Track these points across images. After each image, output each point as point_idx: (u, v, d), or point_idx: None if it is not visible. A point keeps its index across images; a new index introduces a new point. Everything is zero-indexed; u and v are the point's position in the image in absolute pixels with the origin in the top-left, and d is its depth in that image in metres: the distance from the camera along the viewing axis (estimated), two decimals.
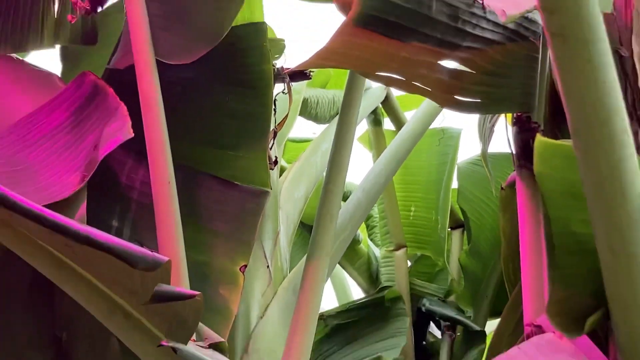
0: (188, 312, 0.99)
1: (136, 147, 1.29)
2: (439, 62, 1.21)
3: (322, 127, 2.20)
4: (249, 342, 1.49)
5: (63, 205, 1.19)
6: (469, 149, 2.25)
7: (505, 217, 1.34)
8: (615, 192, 0.79)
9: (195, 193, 1.41)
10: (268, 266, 1.58)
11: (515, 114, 1.26)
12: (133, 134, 1.16)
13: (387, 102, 2.28)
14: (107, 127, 1.20)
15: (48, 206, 0.93)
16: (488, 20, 1.23)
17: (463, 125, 2.18)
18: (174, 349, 1.00)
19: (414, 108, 2.10)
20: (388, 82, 1.30)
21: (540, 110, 1.27)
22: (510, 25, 1.24)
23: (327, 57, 1.16)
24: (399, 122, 2.33)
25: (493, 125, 1.39)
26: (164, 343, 1.00)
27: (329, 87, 2.31)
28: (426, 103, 2.01)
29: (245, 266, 1.35)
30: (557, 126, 1.25)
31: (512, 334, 1.33)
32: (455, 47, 1.20)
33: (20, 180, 1.24)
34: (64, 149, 1.26)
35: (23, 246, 1.00)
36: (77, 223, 0.92)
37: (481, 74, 1.25)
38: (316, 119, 2.16)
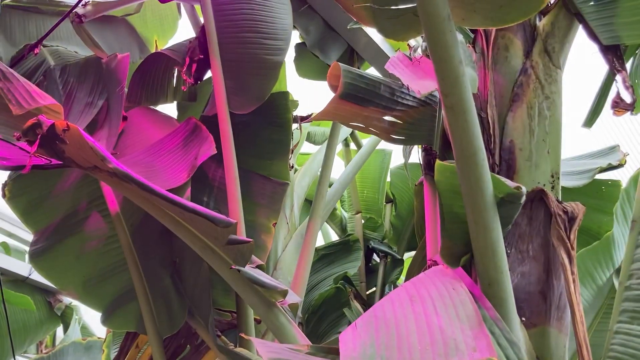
0: (246, 249, 1.40)
1: (217, 158, 1.84)
2: (383, 117, 1.61)
3: (317, 147, 3.23)
4: (277, 264, 2.22)
5: (179, 190, 1.72)
6: (396, 161, 3.50)
7: (417, 200, 1.73)
8: (477, 191, 1.09)
9: (249, 183, 2.03)
10: (287, 223, 2.34)
11: (423, 145, 1.64)
12: (216, 151, 1.72)
13: (352, 133, 3.37)
14: (202, 147, 1.75)
15: (170, 190, 1.40)
16: (410, 95, 1.65)
17: (393, 148, 3.18)
18: (238, 270, 1.39)
19: (368, 137, 3.10)
20: (355, 127, 1.69)
21: (436, 144, 1.62)
22: (421, 97, 1.65)
23: (324, 115, 1.61)
24: (358, 145, 3.55)
25: (410, 150, 2.01)
26: (233, 267, 1.39)
27: (321, 126, 3.34)
28: (373, 137, 2.89)
29: (275, 223, 2.02)
30: (445, 152, 1.59)
31: (420, 263, 1.65)
32: (392, 109, 1.61)
33: (154, 176, 1.70)
34: (178, 159, 1.78)
35: (156, 211, 1.43)
36: (187, 201, 1.37)
37: (405, 123, 1.66)
38: (314, 142, 3.18)
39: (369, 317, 1.01)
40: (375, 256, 3.36)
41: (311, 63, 2.71)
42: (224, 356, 1.63)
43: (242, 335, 1.59)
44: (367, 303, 3.06)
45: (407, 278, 1.92)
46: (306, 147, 3.55)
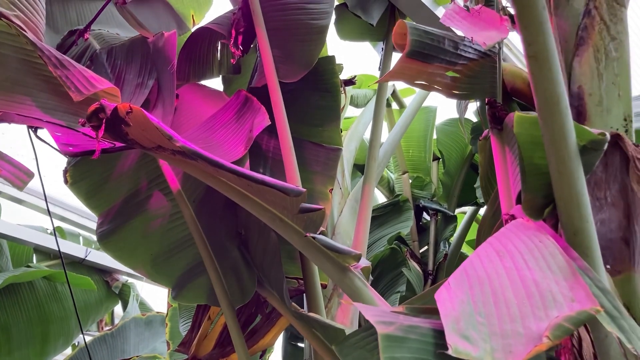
0: (317, 217, 1.41)
1: (268, 128, 1.78)
2: (445, 72, 1.63)
3: (359, 110, 3.22)
4: (334, 229, 2.26)
5: (238, 163, 1.65)
6: (441, 117, 3.47)
7: (482, 155, 1.68)
8: (561, 140, 1.05)
9: (302, 151, 2.04)
10: (340, 188, 2.37)
11: (486, 99, 1.56)
12: (270, 122, 1.68)
13: (394, 93, 3.25)
14: (255, 119, 1.72)
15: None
16: (471, 47, 1.66)
17: (437, 104, 3.20)
18: (313, 237, 1.38)
19: (409, 95, 3.00)
20: (419, 86, 1.70)
21: (499, 96, 1.69)
22: (484, 49, 1.64)
23: (392, 75, 1.65)
24: (400, 104, 3.40)
25: (466, 105, 2.03)
26: (307, 234, 1.38)
27: (362, 88, 3.29)
28: (417, 94, 2.89)
29: (332, 189, 2.03)
30: (506, 103, 1.70)
31: (491, 219, 1.62)
32: (455, 64, 1.62)
33: (212, 151, 1.56)
34: (233, 132, 1.76)
35: (221, 186, 1.43)
36: (254, 172, 1.33)
37: (466, 77, 1.66)
38: (357, 105, 3.15)
39: (460, 275, 1.01)
40: (425, 215, 3.35)
41: (352, 24, 2.66)
42: (299, 322, 1.66)
43: (343, 301, 1.60)
44: (421, 261, 3.08)
45: (479, 234, 1.90)
46: (349, 111, 3.53)
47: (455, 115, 3.36)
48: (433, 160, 3.49)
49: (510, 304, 0.95)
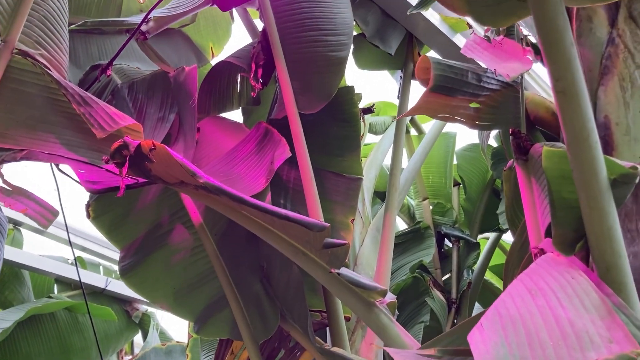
0: (340, 252, 1.40)
1: (289, 159, 1.84)
2: (468, 104, 1.60)
3: (377, 137, 3.22)
4: (356, 259, 2.23)
5: (259, 196, 1.70)
6: (460, 143, 3.49)
7: (507, 185, 1.66)
8: (591, 175, 1.03)
9: (323, 181, 2.03)
10: (361, 217, 2.35)
11: (511, 129, 1.58)
12: (290, 154, 1.74)
13: (412, 119, 3.31)
14: (276, 151, 1.77)
15: (252, 197, 1.45)
16: (493, 79, 1.64)
17: (457, 130, 3.22)
18: (338, 273, 1.39)
19: (428, 122, 3.00)
20: (442, 118, 1.68)
21: (522, 126, 1.64)
22: (508, 80, 1.60)
23: (416, 110, 1.63)
24: (419, 130, 3.44)
25: (488, 134, 2.01)
26: (332, 270, 1.38)
27: (380, 115, 3.31)
28: (436, 122, 2.87)
29: (353, 220, 2.01)
30: (529, 133, 1.67)
31: (520, 250, 1.58)
32: (478, 96, 1.60)
33: (233, 185, 1.66)
34: (254, 164, 1.81)
35: (244, 220, 1.44)
36: (277, 207, 1.36)
37: (489, 108, 1.64)
38: (375, 133, 3.16)
39: (492, 315, 0.98)
40: (447, 241, 3.31)
41: (370, 54, 2.67)
42: (323, 357, 1.64)
43: (374, 345, 1.58)
44: (445, 290, 3.03)
45: (506, 266, 1.85)
46: (367, 138, 3.53)
47: (475, 140, 3.34)
48: (454, 186, 3.46)
49: (545, 346, 0.92)
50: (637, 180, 1.12)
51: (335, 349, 1.66)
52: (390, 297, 1.46)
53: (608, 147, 1.37)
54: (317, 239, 1.38)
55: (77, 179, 1.96)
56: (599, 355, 0.88)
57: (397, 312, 2.73)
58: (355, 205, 2.10)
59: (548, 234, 1.24)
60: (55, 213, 1.57)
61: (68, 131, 1.66)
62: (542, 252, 1.24)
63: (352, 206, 2.08)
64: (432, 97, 1.42)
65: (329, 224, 1.36)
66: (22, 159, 1.58)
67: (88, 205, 2.05)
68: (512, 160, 1.55)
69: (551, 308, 0.99)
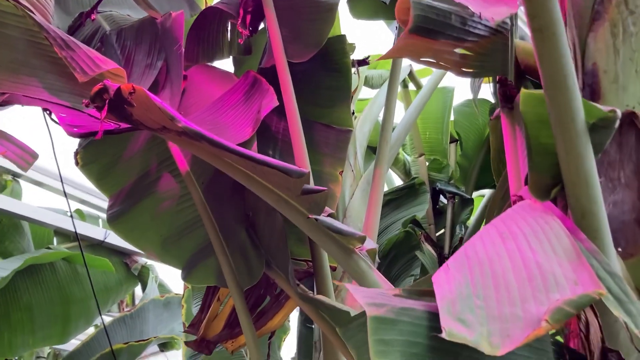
0: (320, 198, 1.39)
1: (277, 110, 1.79)
2: (454, 49, 1.53)
3: (374, 91, 3.16)
4: (345, 212, 2.24)
5: (245, 145, 1.64)
6: (458, 98, 3.44)
7: (493, 135, 1.64)
8: (568, 118, 1.02)
9: (312, 133, 2.00)
10: (352, 171, 2.34)
11: (498, 77, 1.51)
12: (278, 103, 1.68)
13: (411, 74, 3.16)
14: (264, 100, 1.71)
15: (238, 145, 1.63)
16: (481, 24, 1.55)
17: (455, 85, 3.13)
18: (316, 219, 1.38)
19: (427, 76, 2.94)
20: (426, 63, 1.60)
21: (510, 74, 1.56)
22: (494, 26, 1.54)
23: (394, 52, 1.63)
24: (417, 85, 3.29)
25: (479, 84, 1.96)
26: (310, 216, 1.39)
27: (378, 68, 3.22)
28: (433, 74, 2.79)
29: (342, 172, 2.00)
30: (519, 82, 1.57)
31: (501, 200, 1.60)
32: (464, 41, 1.52)
33: (219, 133, 1.53)
34: (241, 113, 1.76)
35: (227, 167, 1.42)
36: (257, 154, 1.34)
37: (477, 55, 1.56)
38: (372, 86, 3.09)
39: (460, 257, 0.98)
40: (442, 198, 3.30)
41: (365, 2, 2.60)
42: (305, 304, 1.65)
43: (336, 282, 1.59)
44: (437, 245, 3.04)
45: (488, 216, 1.88)
46: (364, 92, 3.48)
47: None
48: (451, 143, 3.42)
49: (510, 287, 0.91)
50: (616, 125, 1.10)
51: (317, 296, 1.67)
52: (370, 244, 1.45)
53: (595, 96, 1.34)
54: (297, 185, 1.35)
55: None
56: (563, 296, 0.88)
57: (387, 264, 2.77)
58: (344, 157, 2.08)
59: (528, 182, 1.22)
60: (34, 155, 1.57)
61: (51, 75, 1.64)
62: (520, 199, 1.23)
63: (341, 158, 2.06)
64: (413, 39, 1.38)
65: (308, 170, 1.35)
66: (3, 102, 1.56)
67: (76, 153, 2.04)
68: (499, 109, 1.51)
69: (520, 251, 0.98)
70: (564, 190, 1.14)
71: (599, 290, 0.86)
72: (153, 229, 1.94)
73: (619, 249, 1.21)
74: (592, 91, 1.34)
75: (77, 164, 2.04)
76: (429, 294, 0.94)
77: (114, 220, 1.95)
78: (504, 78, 1.47)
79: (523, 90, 1.09)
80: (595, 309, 1.12)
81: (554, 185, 1.15)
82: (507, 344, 0.82)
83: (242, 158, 1.36)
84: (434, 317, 0.84)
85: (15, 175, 4.13)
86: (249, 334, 1.76)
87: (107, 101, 1.34)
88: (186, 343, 1.95)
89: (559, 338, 1.28)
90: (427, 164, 3.37)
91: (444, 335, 0.79)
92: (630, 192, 1.25)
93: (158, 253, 1.96)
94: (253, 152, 1.39)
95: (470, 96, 3.42)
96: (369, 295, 0.83)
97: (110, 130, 1.58)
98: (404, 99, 3.41)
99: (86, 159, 2.01)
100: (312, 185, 1.54)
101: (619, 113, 1.05)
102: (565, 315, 0.85)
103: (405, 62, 3.30)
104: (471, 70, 1.56)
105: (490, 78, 2.02)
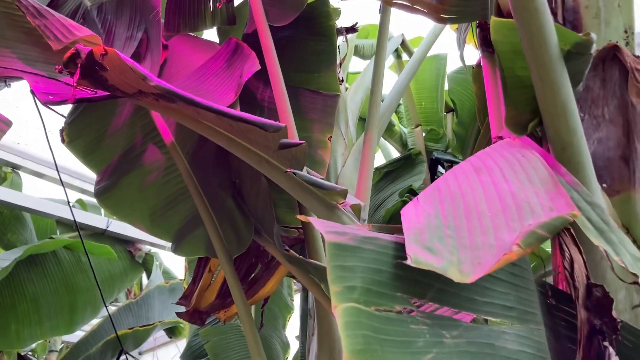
0: (299, 153, 1.35)
1: (263, 78, 1.87)
2: None
3: (366, 63, 3.06)
4: (337, 180, 2.19)
5: None
6: (452, 66, 3.33)
7: (476, 84, 1.59)
8: (541, 44, 0.98)
9: (299, 99, 1.98)
10: (344, 139, 2.31)
11: (477, 21, 1.47)
12: (260, 67, 1.63)
13: (403, 43, 3.09)
14: (246, 65, 1.67)
15: None
16: None
17: (448, 52, 3.07)
18: (294, 173, 1.36)
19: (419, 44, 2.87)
20: (399, 6, 1.60)
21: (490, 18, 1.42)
22: None
23: None
24: (411, 54, 3.27)
25: (465, 37, 1.92)
26: (288, 170, 1.36)
27: (369, 37, 3.13)
28: (424, 41, 2.71)
29: (331, 137, 1.97)
30: None
31: (486, 145, 1.45)
32: None
33: (201, 98, 1.51)
34: (223, 80, 1.71)
35: (208, 131, 1.40)
36: (232, 110, 1.31)
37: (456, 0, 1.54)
38: (363, 56, 2.99)
39: (431, 191, 0.94)
40: (440, 168, 3.24)
41: None
42: (294, 267, 1.62)
43: (299, 218, 1.55)
44: None
45: None
46: (357, 66, 3.42)
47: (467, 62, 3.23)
48: (446, 112, 3.36)
49: (483, 218, 0.88)
50: (592, 51, 1.05)
51: (304, 258, 1.64)
52: (354, 200, 1.42)
53: (576, 32, 1.29)
54: (274, 140, 1.33)
55: (63, 115, 1.96)
56: (537, 221, 0.84)
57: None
58: (332, 122, 2.04)
59: (505, 118, 1.18)
60: (8, 124, 1.54)
61: (25, 45, 1.63)
62: (500, 139, 1.19)
63: (329, 123, 2.03)
64: None
65: (285, 124, 1.31)
66: None
67: (62, 130, 2.02)
68: (480, 57, 1.47)
69: (494, 183, 0.95)
70: (543, 125, 1.10)
71: (572, 212, 0.82)
72: (141, 202, 1.92)
73: (604, 185, 1.17)
74: (573, 27, 1.29)
75: (63, 141, 2.02)
76: (400, 231, 0.90)
77: (101, 195, 1.93)
78: (484, 22, 1.41)
79: (493, 18, 1.04)
80: (580, 246, 1.08)
81: (531, 120, 1.11)
82: (477, 271, 0.78)
83: (218, 115, 1.33)
84: (400, 247, 0.81)
85: (14, 167, 4.13)
86: (239, 302, 1.74)
87: (79, 65, 1.31)
88: (178, 314, 1.92)
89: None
90: (424, 134, 3.32)
91: (409, 262, 0.76)
92: (615, 128, 1.20)
93: (147, 226, 1.94)
94: (227, 108, 1.35)
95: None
96: (332, 225, 0.80)
97: (87, 98, 1.55)
98: (398, 69, 3.33)
99: (72, 135, 1.99)
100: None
101: (594, 36, 1.01)
102: (537, 238, 0.81)
103: (398, 32, 3.24)
104: (450, 17, 1.52)
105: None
